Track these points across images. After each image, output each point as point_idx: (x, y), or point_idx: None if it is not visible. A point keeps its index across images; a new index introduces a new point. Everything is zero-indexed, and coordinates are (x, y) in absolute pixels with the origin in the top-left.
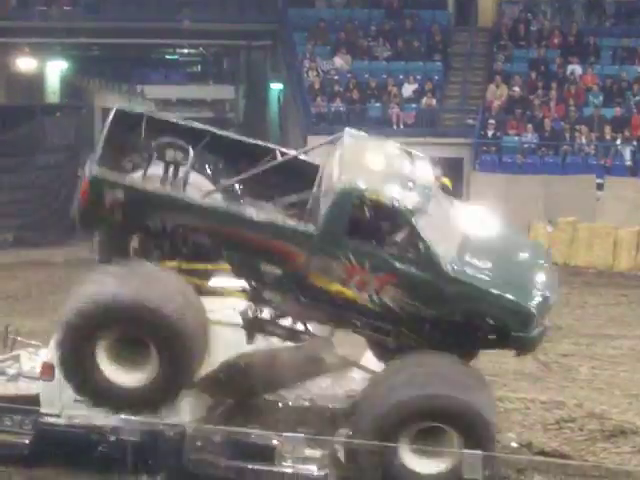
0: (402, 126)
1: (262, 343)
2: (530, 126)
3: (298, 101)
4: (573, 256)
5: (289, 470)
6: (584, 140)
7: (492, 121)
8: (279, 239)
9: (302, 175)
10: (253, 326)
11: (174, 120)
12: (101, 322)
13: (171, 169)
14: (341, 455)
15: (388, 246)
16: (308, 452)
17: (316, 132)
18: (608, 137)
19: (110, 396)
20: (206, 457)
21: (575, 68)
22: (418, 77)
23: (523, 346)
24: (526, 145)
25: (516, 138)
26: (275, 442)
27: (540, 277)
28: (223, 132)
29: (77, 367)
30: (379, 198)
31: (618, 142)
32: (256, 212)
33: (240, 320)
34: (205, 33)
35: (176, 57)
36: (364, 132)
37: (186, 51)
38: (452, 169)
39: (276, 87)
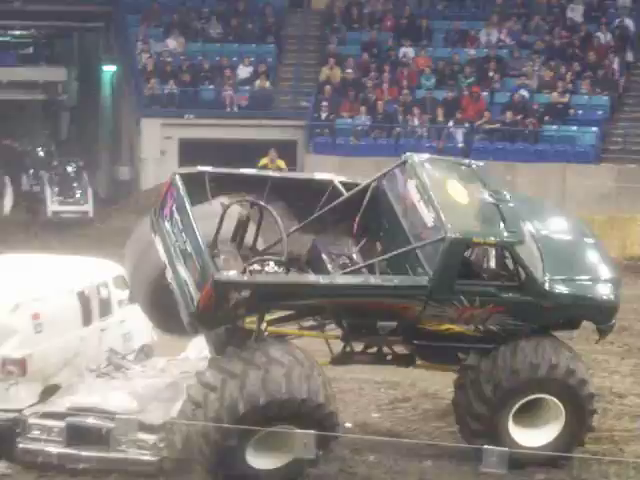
0: (236, 108)
1: None
2: (363, 108)
3: (131, 83)
4: None
5: (123, 455)
6: (417, 122)
7: (325, 103)
8: (396, 298)
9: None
10: (343, 359)
11: (232, 171)
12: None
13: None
14: (177, 440)
15: (494, 279)
16: (142, 436)
17: (149, 114)
18: (440, 119)
19: None
20: (37, 446)
21: (407, 50)
22: (252, 59)
23: (606, 333)
24: (359, 127)
25: (349, 120)
26: (110, 425)
27: (607, 264)
28: (280, 174)
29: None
30: (486, 240)
31: (450, 124)
32: (373, 278)
33: None
34: (37, 14)
35: (7, 39)
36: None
37: (18, 32)
38: (286, 151)
39: (109, 69)
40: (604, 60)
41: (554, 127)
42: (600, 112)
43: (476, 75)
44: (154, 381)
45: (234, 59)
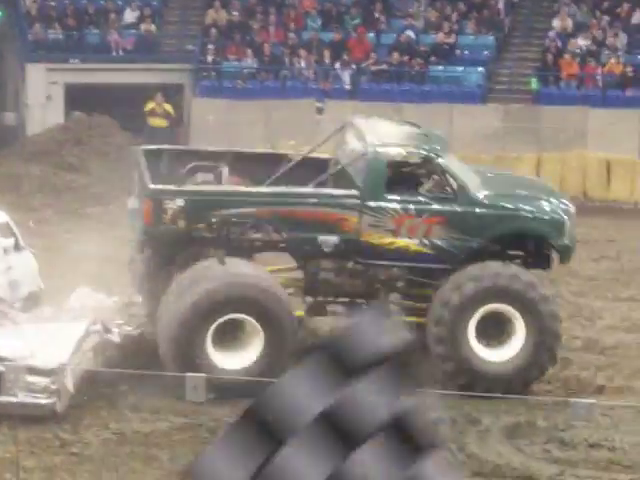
0: (121, 52)
1: None
2: (249, 51)
3: (15, 28)
4: None
5: (14, 399)
6: (303, 64)
7: (211, 46)
8: (330, 207)
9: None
10: (316, 310)
11: (195, 149)
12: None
13: None
14: (69, 383)
15: (426, 191)
16: (33, 380)
17: (34, 60)
18: (327, 61)
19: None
20: None
21: None
22: (137, 3)
23: (563, 252)
24: (246, 70)
25: (236, 63)
26: (0, 369)
27: (555, 199)
28: (239, 150)
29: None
30: (407, 150)
31: (337, 66)
32: (304, 188)
33: None
34: None
35: None
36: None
37: None
38: (173, 95)
39: None
40: (489, 0)
41: (440, 68)
42: (486, 52)
43: (362, 16)
44: (43, 326)
45: (119, 3)
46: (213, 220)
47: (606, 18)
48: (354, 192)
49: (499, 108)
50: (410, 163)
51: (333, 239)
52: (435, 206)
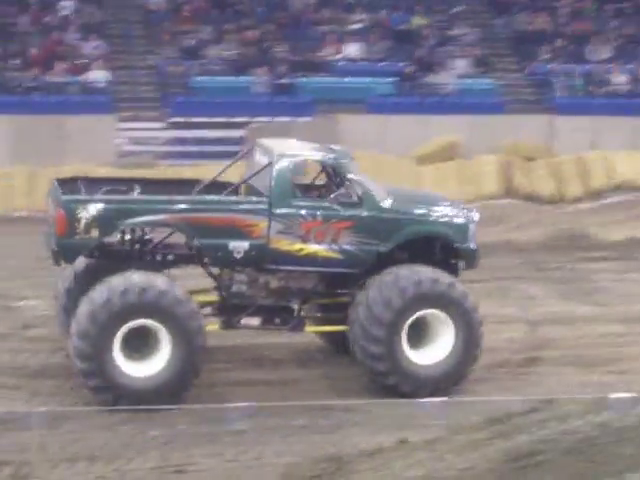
0: None
1: None
2: None
3: None
4: None
5: None
6: None
7: None
8: (238, 213)
9: None
10: (229, 323)
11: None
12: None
13: None
14: None
15: (332, 198)
16: None
17: None
18: None
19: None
20: None
21: None
22: None
23: (469, 257)
24: None
25: None
26: None
27: (457, 207)
28: (151, 178)
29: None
30: (313, 158)
31: None
32: (214, 196)
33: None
34: None
35: None
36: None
37: None
38: None
39: None
40: None
41: None
42: None
43: None
44: None
45: None
46: (125, 228)
47: None
48: (263, 199)
49: None
50: (316, 171)
51: (244, 245)
52: (342, 212)
